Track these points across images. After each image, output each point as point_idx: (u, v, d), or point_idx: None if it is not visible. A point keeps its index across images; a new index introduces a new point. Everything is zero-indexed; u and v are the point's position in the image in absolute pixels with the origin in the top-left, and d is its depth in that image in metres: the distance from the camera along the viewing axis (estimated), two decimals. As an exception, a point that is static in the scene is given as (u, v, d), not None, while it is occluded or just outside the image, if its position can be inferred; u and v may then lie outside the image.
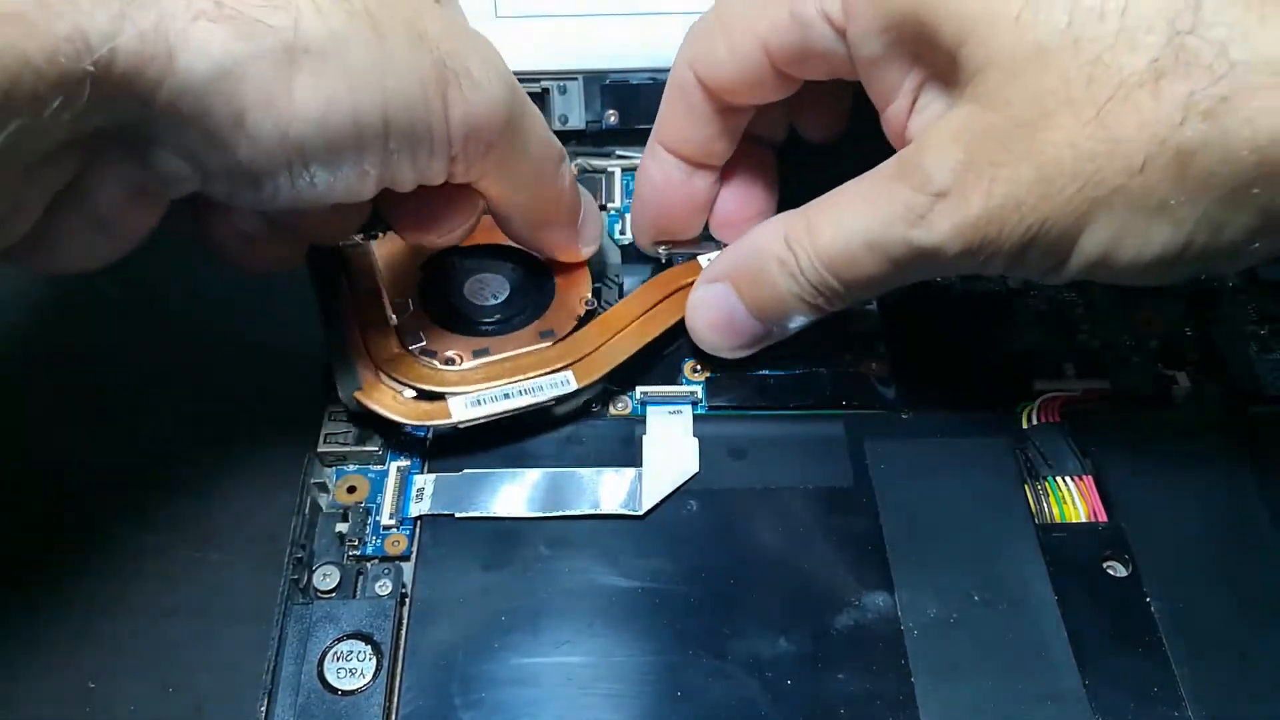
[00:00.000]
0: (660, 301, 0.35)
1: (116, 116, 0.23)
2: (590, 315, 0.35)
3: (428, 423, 0.32)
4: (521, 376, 0.32)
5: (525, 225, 0.33)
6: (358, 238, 0.35)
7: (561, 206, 0.34)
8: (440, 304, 0.35)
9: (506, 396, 0.32)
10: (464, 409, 0.32)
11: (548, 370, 0.33)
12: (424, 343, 0.33)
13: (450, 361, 0.33)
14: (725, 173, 0.36)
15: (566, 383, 0.33)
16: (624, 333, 0.34)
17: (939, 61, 0.27)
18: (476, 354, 0.33)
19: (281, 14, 0.24)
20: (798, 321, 0.32)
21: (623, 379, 0.34)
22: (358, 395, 0.32)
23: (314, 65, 0.24)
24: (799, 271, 0.30)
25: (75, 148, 0.24)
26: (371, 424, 0.33)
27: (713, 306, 0.33)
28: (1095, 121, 0.24)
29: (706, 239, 0.37)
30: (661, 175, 0.35)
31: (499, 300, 0.35)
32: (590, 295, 0.35)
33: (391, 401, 0.32)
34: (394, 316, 0.34)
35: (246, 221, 0.30)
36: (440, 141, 0.27)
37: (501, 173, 0.30)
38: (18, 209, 0.24)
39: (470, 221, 0.32)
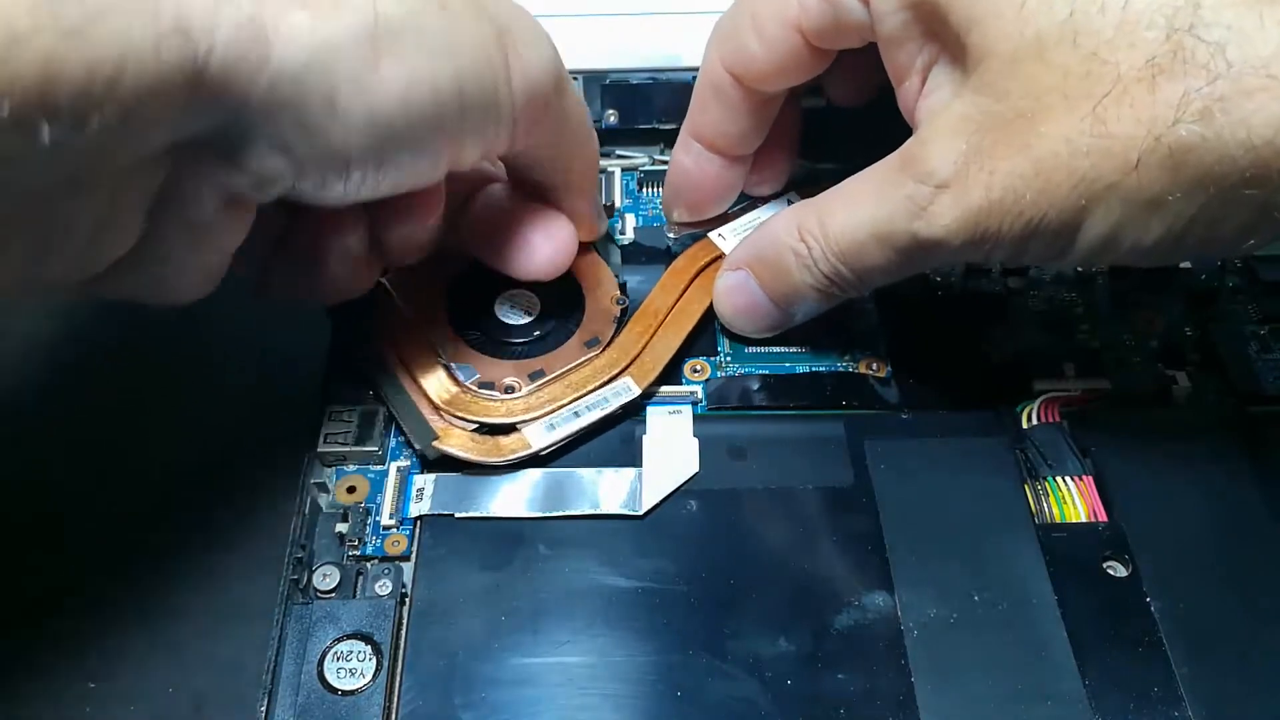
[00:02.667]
0: (688, 286, 0.36)
1: (213, 118, 0.23)
2: (625, 312, 0.35)
3: (510, 458, 0.32)
4: (583, 391, 0.33)
5: (570, 192, 0.34)
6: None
7: (596, 166, 0.34)
8: (477, 330, 0.35)
9: (577, 415, 0.32)
10: (542, 435, 0.32)
11: (605, 380, 0.33)
12: (478, 375, 0.33)
13: (510, 389, 0.33)
14: None
15: (629, 389, 0.33)
16: (664, 326, 0.35)
17: (950, 44, 0.27)
18: (532, 377, 0.33)
19: None
20: (818, 307, 0.33)
21: (672, 367, 0.34)
22: (436, 444, 0.31)
23: (394, 45, 0.25)
24: (813, 263, 0.31)
25: (170, 155, 0.24)
26: (442, 465, 0.32)
27: (736, 293, 0.34)
28: (1092, 116, 0.24)
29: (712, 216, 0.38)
30: (698, 169, 0.36)
31: (533, 316, 0.35)
32: (619, 292, 0.35)
33: (471, 444, 0.32)
34: (441, 354, 0.33)
35: (352, 237, 0.30)
36: (506, 108, 0.28)
37: (554, 134, 0.31)
38: (119, 219, 0.24)
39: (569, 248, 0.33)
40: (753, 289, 0.33)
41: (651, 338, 0.34)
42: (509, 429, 0.32)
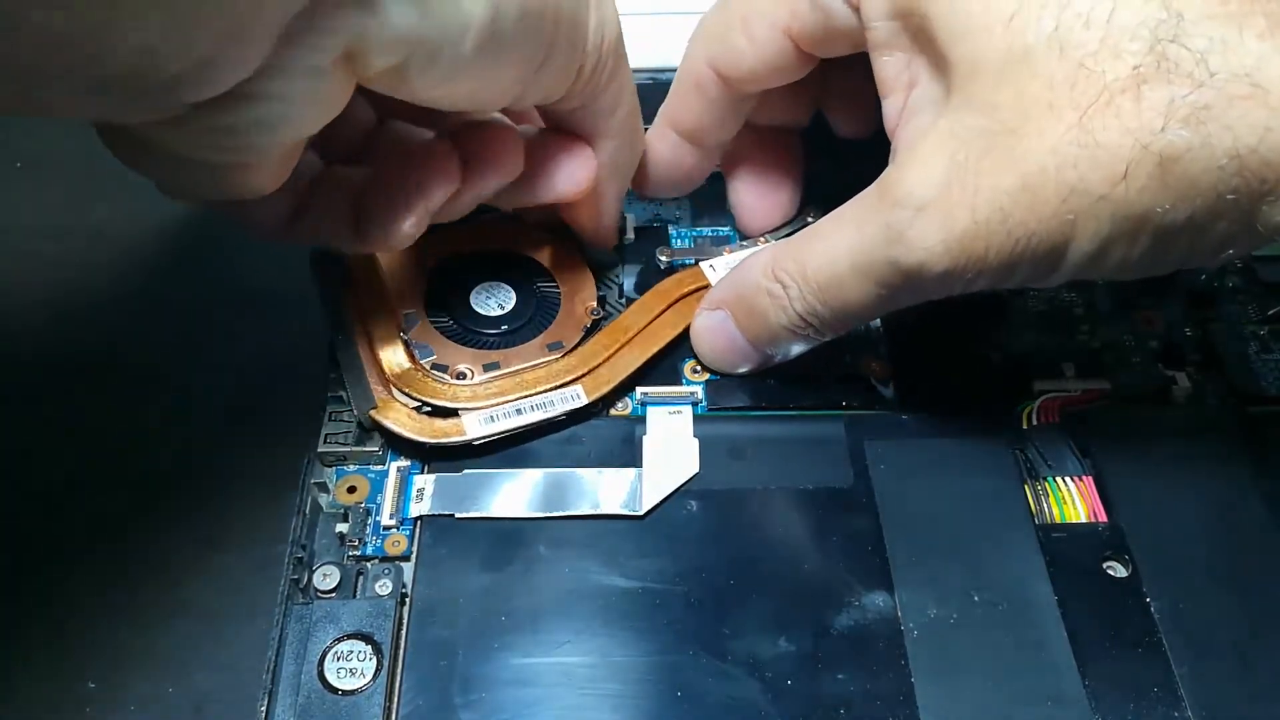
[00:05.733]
0: (664, 311, 0.35)
1: None
2: (596, 324, 0.35)
3: (443, 440, 0.32)
4: (532, 391, 0.33)
5: (623, 172, 0.34)
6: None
7: (634, 160, 0.35)
8: (448, 314, 0.35)
9: (519, 412, 0.32)
10: (478, 426, 0.32)
11: (558, 384, 0.33)
12: (434, 356, 0.33)
13: (461, 376, 0.33)
14: (748, 164, 0.37)
15: (577, 397, 0.33)
16: (630, 344, 0.34)
17: (935, 59, 0.27)
18: (486, 368, 0.33)
19: None
20: (796, 348, 0.32)
21: (628, 386, 0.34)
22: (373, 414, 0.32)
23: None
24: (788, 304, 0.30)
25: None
26: (384, 438, 0.32)
27: (714, 333, 0.34)
28: (1078, 127, 0.24)
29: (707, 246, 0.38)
30: (673, 155, 0.36)
31: (506, 310, 0.35)
32: (595, 304, 0.35)
33: (407, 419, 0.32)
34: (404, 330, 0.34)
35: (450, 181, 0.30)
36: (581, 45, 0.28)
37: (617, 95, 0.31)
38: (250, 32, 0.23)
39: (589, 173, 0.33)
40: (730, 330, 0.33)
41: (615, 352, 0.34)
42: (450, 413, 0.32)
